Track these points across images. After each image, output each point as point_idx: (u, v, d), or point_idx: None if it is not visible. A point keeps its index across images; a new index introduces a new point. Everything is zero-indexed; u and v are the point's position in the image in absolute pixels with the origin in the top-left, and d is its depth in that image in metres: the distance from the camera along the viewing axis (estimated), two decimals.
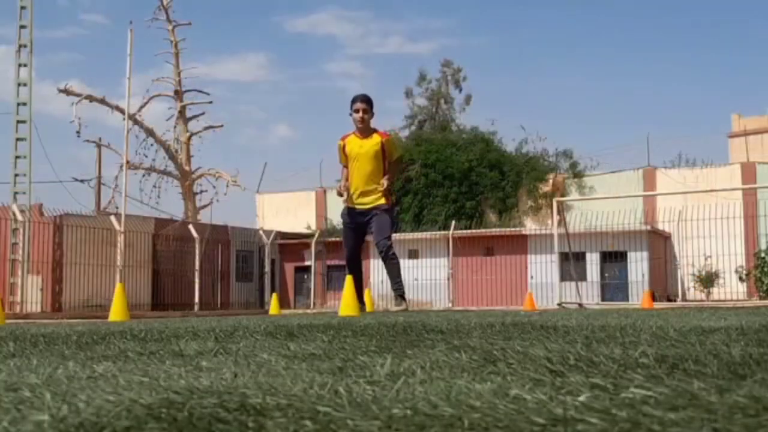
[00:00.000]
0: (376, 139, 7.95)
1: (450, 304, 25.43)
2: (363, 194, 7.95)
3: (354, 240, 8.21)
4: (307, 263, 29.08)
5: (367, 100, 7.92)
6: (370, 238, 8.39)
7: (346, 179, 8.17)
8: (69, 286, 21.27)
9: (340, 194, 8.22)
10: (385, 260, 8.11)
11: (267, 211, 36.45)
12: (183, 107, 27.30)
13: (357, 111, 7.86)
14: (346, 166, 8.17)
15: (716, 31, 64.36)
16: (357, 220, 8.04)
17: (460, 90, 36.52)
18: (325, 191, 35.80)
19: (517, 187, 31.79)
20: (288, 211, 35.77)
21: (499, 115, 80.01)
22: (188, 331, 3.56)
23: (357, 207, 7.98)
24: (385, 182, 7.89)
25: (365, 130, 7.96)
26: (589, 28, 67.46)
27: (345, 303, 8.35)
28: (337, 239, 30.91)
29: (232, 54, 77.59)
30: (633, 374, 1.43)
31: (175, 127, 27.32)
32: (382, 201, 7.96)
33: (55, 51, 70.41)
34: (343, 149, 8.08)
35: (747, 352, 1.87)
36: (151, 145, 26.50)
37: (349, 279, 8.50)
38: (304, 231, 31.93)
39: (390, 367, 1.64)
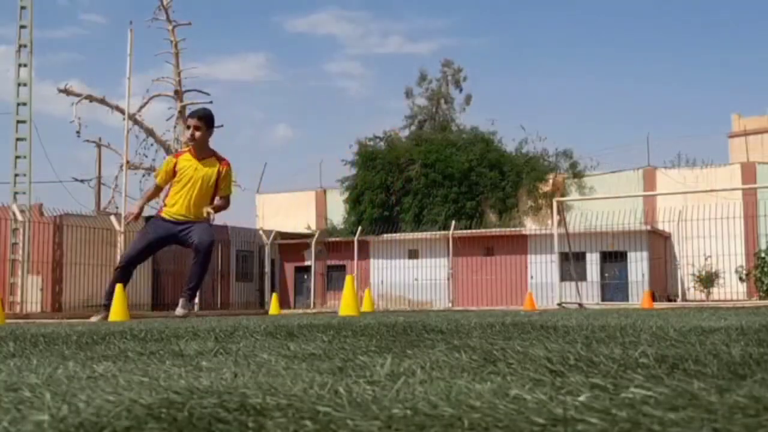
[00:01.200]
0: (215, 167, 7.28)
1: (450, 304, 25.43)
2: (183, 214, 7.27)
3: (143, 248, 7.45)
4: (307, 263, 29.08)
5: (200, 116, 7.23)
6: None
7: (147, 200, 7.62)
8: (69, 286, 21.27)
9: (135, 218, 7.49)
10: (199, 258, 7.28)
11: (267, 211, 36.44)
12: (183, 107, 27.25)
13: (188, 127, 7.26)
14: (159, 187, 7.52)
15: (716, 31, 64.37)
16: (166, 230, 7.31)
17: (461, 90, 36.54)
18: (325, 191, 35.81)
19: (517, 187, 31.79)
20: (288, 211, 35.77)
21: (499, 115, 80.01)
22: (188, 331, 3.56)
23: (172, 218, 7.29)
24: (210, 211, 7.28)
25: (202, 150, 7.27)
26: (589, 28, 67.47)
27: (345, 303, 8.34)
28: (338, 239, 31.04)
29: (232, 54, 77.60)
30: (633, 374, 1.43)
31: (175, 127, 27.26)
32: (204, 218, 7.34)
33: (55, 51, 70.45)
34: (173, 166, 7.32)
35: (747, 352, 1.87)
36: (151, 145, 26.46)
37: (349, 279, 8.49)
38: (304, 231, 31.92)
39: (390, 367, 1.64)
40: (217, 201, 7.35)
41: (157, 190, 7.67)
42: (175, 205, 7.27)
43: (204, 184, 7.24)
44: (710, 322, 4.05)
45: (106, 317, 7.62)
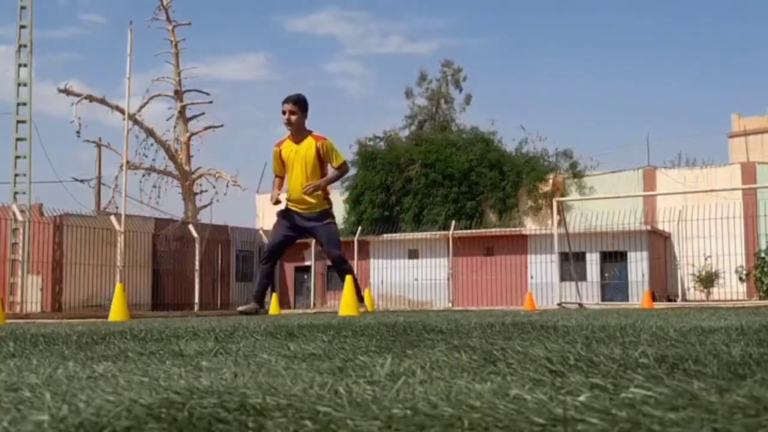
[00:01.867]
0: (310, 143, 7.63)
1: (450, 304, 25.42)
2: (301, 200, 7.67)
3: (283, 237, 7.83)
4: (307, 263, 29.08)
5: (294, 101, 7.57)
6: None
7: (278, 188, 7.92)
8: (69, 286, 21.26)
9: (276, 202, 7.81)
10: (339, 271, 7.87)
11: (267, 211, 36.41)
12: (183, 107, 27.26)
13: (283, 113, 7.58)
14: (279, 176, 7.87)
15: (716, 32, 64.40)
16: (294, 222, 7.74)
17: (460, 90, 36.54)
18: None
19: (517, 187, 31.79)
20: None
21: (499, 115, 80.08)
22: (188, 331, 3.57)
23: (297, 210, 7.69)
24: (315, 184, 7.56)
25: (298, 133, 7.65)
26: (588, 28, 67.49)
27: (345, 303, 8.34)
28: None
29: (232, 54, 77.60)
30: (633, 374, 1.43)
31: (175, 127, 27.26)
32: (325, 206, 7.71)
33: (55, 51, 70.47)
34: (279, 156, 7.75)
35: (747, 352, 1.87)
36: (151, 145, 26.44)
37: (349, 279, 8.49)
38: None
39: (390, 367, 1.64)
40: (330, 174, 7.76)
41: (279, 179, 7.95)
42: (292, 194, 7.68)
43: (308, 166, 7.57)
44: (710, 322, 4.05)
45: (255, 309, 7.96)
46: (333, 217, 7.82)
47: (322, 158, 7.64)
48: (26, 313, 17.49)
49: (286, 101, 7.57)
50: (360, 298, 8.15)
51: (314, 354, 2.11)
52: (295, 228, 7.75)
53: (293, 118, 7.51)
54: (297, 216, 7.69)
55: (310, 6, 79.75)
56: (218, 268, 25.73)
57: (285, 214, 7.81)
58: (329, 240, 7.69)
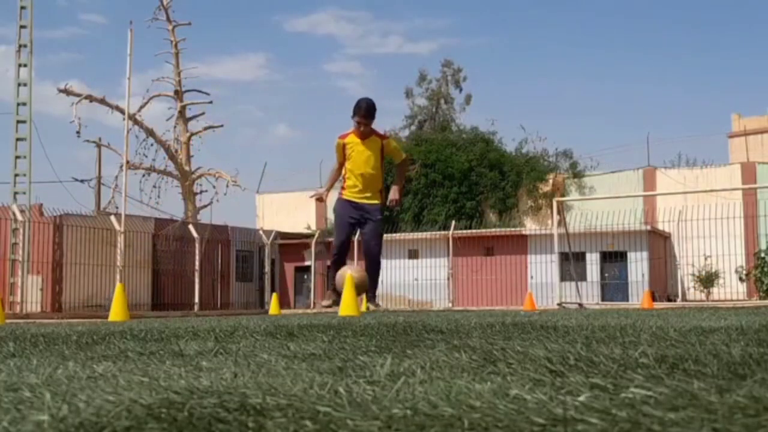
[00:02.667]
0: (376, 143, 8.15)
1: (450, 304, 25.42)
2: (360, 191, 8.16)
3: (347, 231, 8.34)
4: (307, 263, 29.08)
5: (364, 114, 8.02)
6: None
7: (333, 181, 8.43)
8: (69, 286, 21.26)
9: (320, 200, 8.44)
10: (370, 264, 8.33)
11: (267, 211, 36.46)
12: (183, 107, 27.26)
13: (358, 123, 8.05)
14: (341, 165, 8.31)
15: (716, 31, 64.39)
16: (352, 213, 8.21)
17: (460, 90, 36.58)
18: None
19: (517, 187, 31.80)
20: (288, 211, 35.79)
21: (499, 115, 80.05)
22: (188, 331, 3.57)
23: (354, 200, 8.16)
24: (396, 195, 8.22)
25: (365, 134, 8.15)
26: (588, 28, 67.47)
27: (345, 303, 8.35)
28: None
29: (231, 54, 77.47)
30: (633, 374, 1.43)
31: (175, 127, 27.27)
32: (377, 200, 8.18)
33: (55, 51, 70.42)
34: (342, 148, 8.20)
35: (747, 352, 1.87)
36: (151, 145, 26.45)
37: (349, 278, 8.50)
38: (304, 231, 31.93)
39: (390, 367, 1.64)
40: (397, 176, 8.49)
41: (340, 167, 8.33)
42: (351, 186, 8.15)
43: (371, 161, 8.10)
44: (710, 322, 4.05)
45: (336, 302, 8.47)
46: (383, 214, 8.31)
47: (384, 155, 8.20)
48: (26, 313, 17.49)
49: (356, 113, 8.02)
50: (373, 296, 8.56)
51: (314, 354, 2.11)
52: (354, 216, 8.18)
53: (365, 128, 8.03)
54: (355, 205, 8.14)
55: (309, 6, 79.75)
56: (218, 268, 25.72)
57: (343, 206, 8.23)
58: (372, 233, 8.17)
